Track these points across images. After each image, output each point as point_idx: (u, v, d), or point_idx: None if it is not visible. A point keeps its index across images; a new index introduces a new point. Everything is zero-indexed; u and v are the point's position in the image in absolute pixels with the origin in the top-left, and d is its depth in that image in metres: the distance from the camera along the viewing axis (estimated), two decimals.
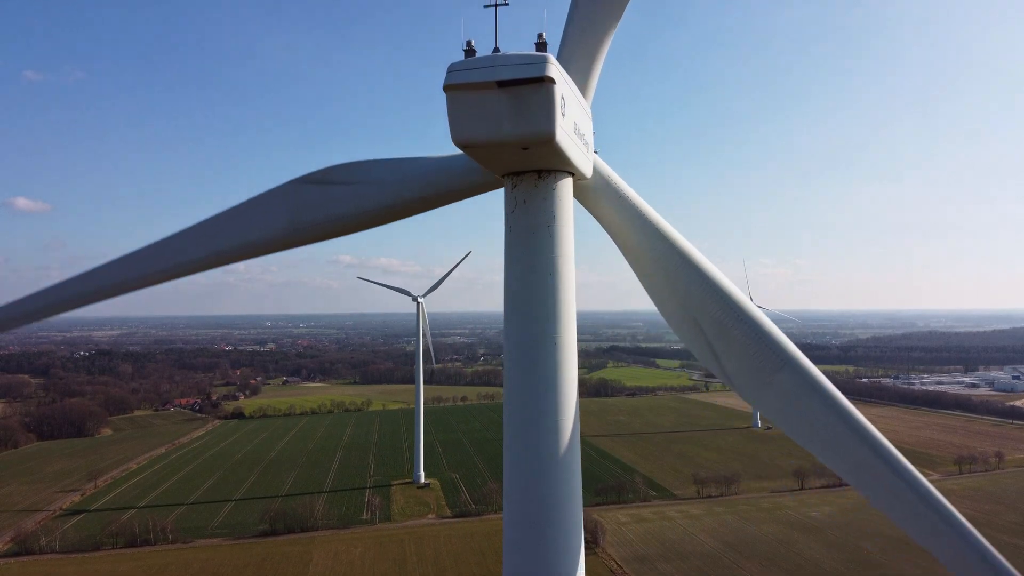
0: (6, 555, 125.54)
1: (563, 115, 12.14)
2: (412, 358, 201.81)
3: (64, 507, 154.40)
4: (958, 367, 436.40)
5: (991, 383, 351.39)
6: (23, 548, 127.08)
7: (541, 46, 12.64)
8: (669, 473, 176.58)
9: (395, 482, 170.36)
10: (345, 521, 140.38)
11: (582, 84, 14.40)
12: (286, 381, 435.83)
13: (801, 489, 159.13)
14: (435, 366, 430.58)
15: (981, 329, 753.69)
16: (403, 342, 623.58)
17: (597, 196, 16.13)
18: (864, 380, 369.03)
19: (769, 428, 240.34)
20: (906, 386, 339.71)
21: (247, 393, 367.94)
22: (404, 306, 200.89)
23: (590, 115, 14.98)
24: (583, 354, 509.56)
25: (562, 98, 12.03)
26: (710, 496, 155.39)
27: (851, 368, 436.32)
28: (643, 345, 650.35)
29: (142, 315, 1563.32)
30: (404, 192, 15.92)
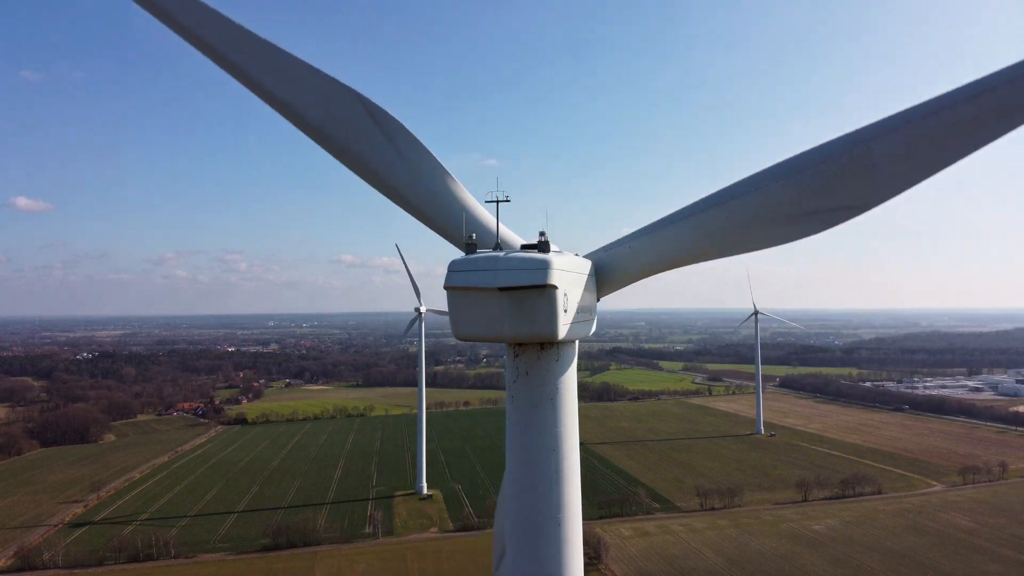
0: (9, 571, 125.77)
1: (565, 311, 11.93)
2: (415, 360, 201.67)
3: (67, 520, 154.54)
4: (961, 369, 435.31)
5: (995, 387, 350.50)
6: (26, 564, 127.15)
7: (544, 245, 12.42)
8: (672, 484, 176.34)
9: (397, 494, 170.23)
10: (347, 535, 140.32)
11: None
12: (289, 383, 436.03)
13: (804, 501, 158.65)
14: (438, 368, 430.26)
15: (984, 329, 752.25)
16: (406, 343, 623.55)
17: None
18: (868, 384, 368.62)
19: (772, 435, 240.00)
20: (909, 391, 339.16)
21: (250, 397, 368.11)
22: (407, 305, 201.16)
23: (592, 273, 14.71)
24: (585, 355, 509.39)
25: (564, 295, 11.82)
26: (713, 508, 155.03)
27: (855, 371, 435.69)
28: (646, 346, 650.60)
29: (145, 315, 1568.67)
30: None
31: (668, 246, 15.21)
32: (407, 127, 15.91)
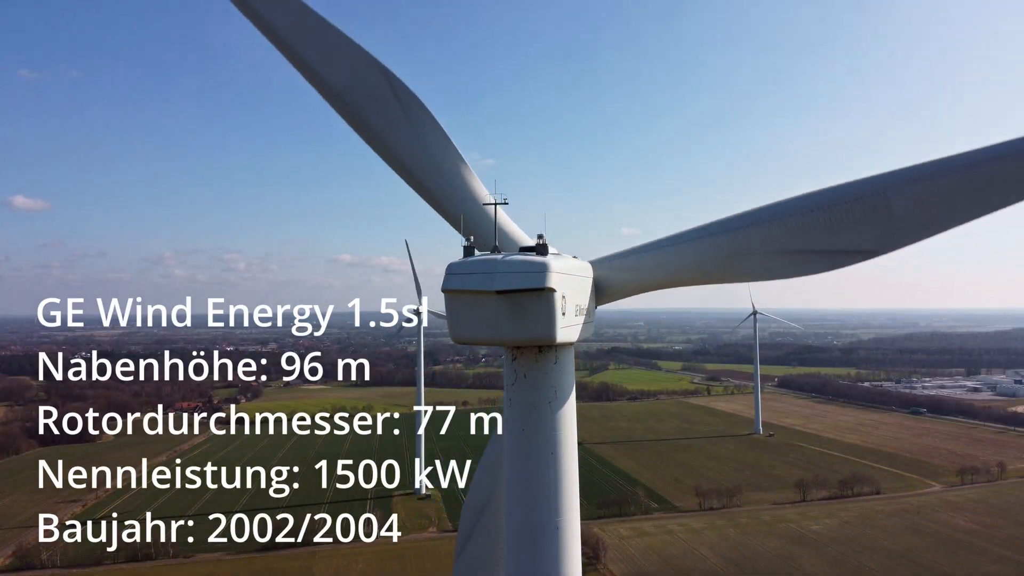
0: (7, 570, 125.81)
1: (563, 314, 11.89)
2: (414, 359, 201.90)
3: (66, 519, 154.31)
4: (960, 370, 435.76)
5: (993, 387, 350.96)
6: (24, 563, 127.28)
7: (542, 248, 12.36)
8: (671, 484, 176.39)
9: (396, 493, 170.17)
10: (346, 535, 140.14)
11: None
12: (287, 383, 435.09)
13: (803, 501, 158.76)
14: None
15: (983, 329, 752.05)
16: (404, 342, 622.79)
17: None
18: (866, 384, 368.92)
19: (771, 435, 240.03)
20: (908, 391, 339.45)
21: (248, 396, 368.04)
22: (406, 305, 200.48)
23: (589, 274, 14.66)
24: (583, 355, 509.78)
25: (563, 297, 11.78)
26: (712, 508, 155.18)
27: (853, 371, 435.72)
28: (644, 346, 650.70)
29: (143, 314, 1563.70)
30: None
31: (671, 265, 15.21)
32: (427, 106, 15.99)
